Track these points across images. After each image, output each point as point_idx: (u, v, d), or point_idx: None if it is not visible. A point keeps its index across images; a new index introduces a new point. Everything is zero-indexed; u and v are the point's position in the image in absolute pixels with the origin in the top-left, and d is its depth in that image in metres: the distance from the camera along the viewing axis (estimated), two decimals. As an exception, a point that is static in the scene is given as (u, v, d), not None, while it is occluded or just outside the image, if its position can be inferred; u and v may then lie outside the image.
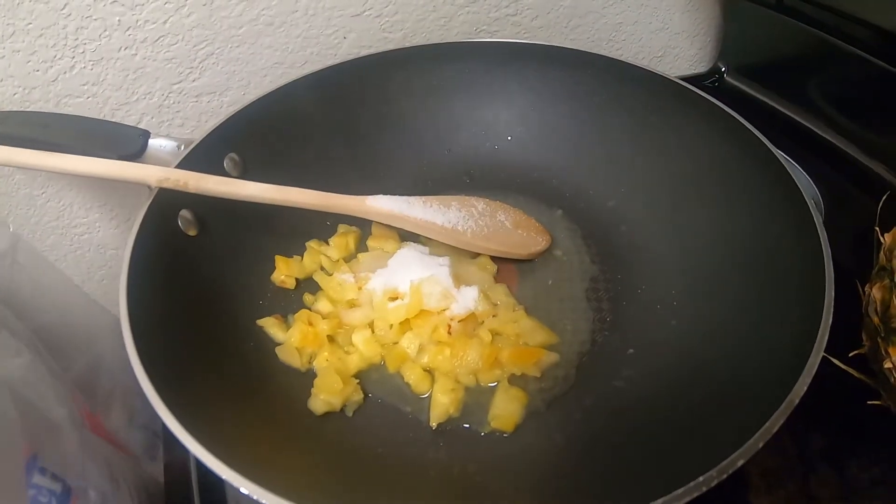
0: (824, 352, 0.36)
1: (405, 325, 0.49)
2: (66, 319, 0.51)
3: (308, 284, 0.55)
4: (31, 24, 0.53)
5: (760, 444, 0.32)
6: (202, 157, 0.51)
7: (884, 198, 0.47)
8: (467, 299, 0.49)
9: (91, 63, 0.57)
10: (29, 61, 0.55)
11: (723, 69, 0.81)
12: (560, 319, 0.52)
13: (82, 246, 0.69)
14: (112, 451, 0.43)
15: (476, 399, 0.47)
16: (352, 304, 0.52)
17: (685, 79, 0.56)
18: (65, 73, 0.56)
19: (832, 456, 0.44)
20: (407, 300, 0.49)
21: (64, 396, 0.42)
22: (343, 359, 0.48)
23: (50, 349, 0.46)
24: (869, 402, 0.42)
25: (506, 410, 0.45)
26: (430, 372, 0.48)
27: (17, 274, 0.46)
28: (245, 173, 0.54)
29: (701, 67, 0.84)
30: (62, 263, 0.69)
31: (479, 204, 0.57)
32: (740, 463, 0.32)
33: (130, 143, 0.51)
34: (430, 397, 0.47)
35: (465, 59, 0.62)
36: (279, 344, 0.49)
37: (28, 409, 0.37)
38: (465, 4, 0.67)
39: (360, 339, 0.49)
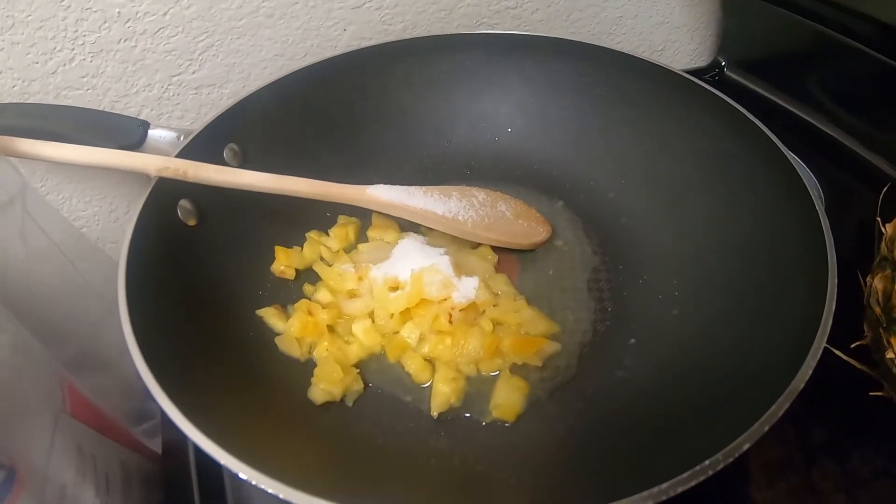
0: (826, 343, 0.36)
1: (405, 314, 0.49)
2: (75, 277, 0.48)
3: (308, 275, 0.54)
4: (30, 15, 0.53)
5: (766, 428, 0.32)
6: (202, 147, 0.51)
7: (884, 189, 0.47)
8: (468, 289, 0.49)
9: (91, 55, 0.57)
10: (28, 53, 0.54)
11: (723, 63, 0.81)
12: (561, 309, 0.51)
13: (81, 239, 0.68)
14: (93, 435, 0.41)
15: (477, 388, 0.47)
16: (352, 294, 0.52)
17: (685, 73, 0.56)
18: (64, 64, 0.56)
19: (834, 448, 0.44)
20: (407, 289, 0.49)
21: (46, 376, 0.39)
22: (343, 348, 0.48)
23: (54, 313, 0.45)
24: (871, 394, 0.42)
25: (507, 400, 0.45)
26: (430, 361, 0.48)
27: (27, 224, 0.44)
28: (244, 164, 0.54)
29: (701, 61, 0.84)
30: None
31: (480, 194, 0.57)
32: (746, 446, 0.31)
33: (130, 134, 0.51)
34: (430, 387, 0.47)
35: (465, 51, 0.62)
36: (279, 334, 0.49)
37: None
38: (466, -3, 0.67)
39: (360, 328, 0.49)
